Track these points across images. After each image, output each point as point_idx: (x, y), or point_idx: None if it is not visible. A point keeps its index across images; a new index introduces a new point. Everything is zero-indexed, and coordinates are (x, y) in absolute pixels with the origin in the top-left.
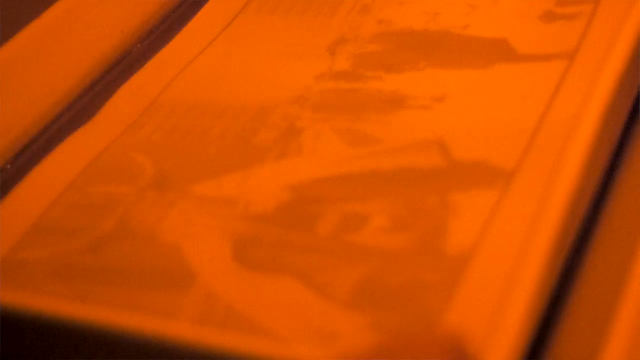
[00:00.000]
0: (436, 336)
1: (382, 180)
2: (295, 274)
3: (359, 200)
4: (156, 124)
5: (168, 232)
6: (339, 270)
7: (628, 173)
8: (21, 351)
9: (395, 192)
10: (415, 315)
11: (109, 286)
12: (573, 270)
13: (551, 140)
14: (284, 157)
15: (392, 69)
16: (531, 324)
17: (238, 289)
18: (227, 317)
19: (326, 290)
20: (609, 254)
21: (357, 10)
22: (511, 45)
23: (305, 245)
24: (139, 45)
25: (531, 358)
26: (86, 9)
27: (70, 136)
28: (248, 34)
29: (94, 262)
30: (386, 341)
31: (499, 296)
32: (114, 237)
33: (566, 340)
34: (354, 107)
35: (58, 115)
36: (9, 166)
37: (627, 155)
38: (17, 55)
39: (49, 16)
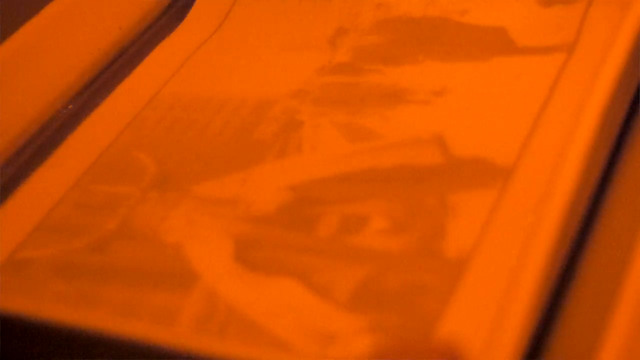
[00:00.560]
0: (434, 340)
1: (381, 179)
2: (296, 275)
3: (358, 201)
4: (157, 120)
5: (170, 233)
6: (338, 271)
7: (628, 169)
8: (21, 354)
9: (395, 192)
10: (413, 319)
11: (112, 286)
12: (571, 268)
13: (550, 136)
14: (284, 155)
15: (391, 61)
16: (531, 328)
17: (239, 290)
18: (227, 318)
19: (326, 292)
20: (607, 252)
21: None
22: (510, 35)
23: (306, 247)
24: (137, 41)
25: (529, 358)
26: (83, 7)
27: (74, 132)
28: (247, 23)
29: (97, 262)
30: (384, 344)
31: (498, 299)
32: (117, 236)
33: (564, 339)
34: (353, 100)
35: (58, 112)
36: (9, 165)
37: (627, 151)
38: (16, 53)
39: (47, 14)
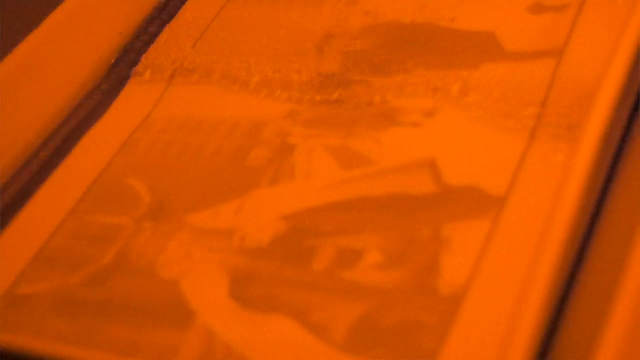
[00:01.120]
0: None
1: (374, 209)
2: (291, 312)
3: (352, 233)
4: (149, 143)
5: (167, 267)
6: (334, 309)
7: (627, 170)
8: None
9: (388, 222)
10: (409, 357)
11: (111, 323)
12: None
13: (542, 161)
14: (277, 182)
15: (380, 71)
16: None
17: (236, 328)
18: (226, 358)
19: (322, 331)
20: (606, 254)
21: (345, 1)
22: (499, 40)
23: (301, 282)
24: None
25: None
26: (83, 17)
27: (66, 158)
28: (236, 29)
29: (94, 297)
30: None
31: (496, 335)
32: (114, 270)
33: (563, 340)
34: (345, 122)
35: (50, 136)
36: (3, 193)
37: (626, 152)
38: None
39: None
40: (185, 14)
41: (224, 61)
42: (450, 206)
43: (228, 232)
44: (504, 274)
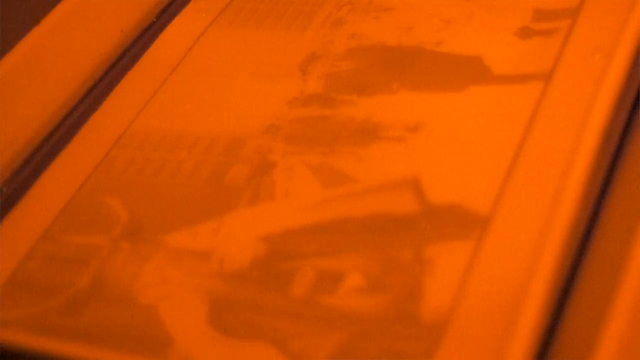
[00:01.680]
0: None
1: (356, 230)
2: (271, 340)
3: (333, 255)
4: (126, 161)
5: (144, 292)
6: (313, 336)
7: (627, 171)
8: None
9: (370, 244)
10: None
11: (86, 351)
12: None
13: (526, 179)
14: (256, 202)
15: (364, 91)
16: None
17: (214, 356)
18: None
19: (301, 359)
20: (605, 254)
21: (330, 24)
22: (486, 64)
23: (281, 309)
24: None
25: None
26: (84, 14)
27: (42, 175)
28: (219, 51)
29: (70, 324)
30: None
31: None
32: (90, 296)
33: (562, 340)
34: (326, 137)
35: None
36: None
37: (626, 153)
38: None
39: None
40: (164, 40)
41: (205, 86)
42: (433, 226)
43: (206, 254)
44: (490, 298)
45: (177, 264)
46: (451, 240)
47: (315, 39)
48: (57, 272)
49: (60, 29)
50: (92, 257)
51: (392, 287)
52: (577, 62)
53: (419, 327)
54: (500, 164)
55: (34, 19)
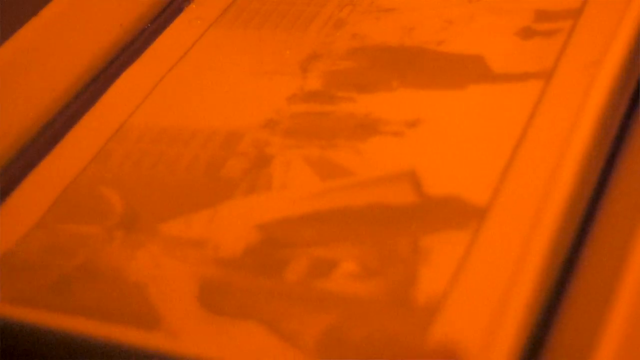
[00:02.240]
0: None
1: (352, 220)
2: (261, 320)
3: (328, 244)
4: (124, 153)
5: (134, 273)
6: (306, 318)
7: (626, 170)
8: None
9: (366, 234)
10: None
11: (74, 323)
12: (567, 269)
13: (524, 173)
14: (253, 192)
15: (364, 88)
16: None
17: (203, 333)
18: None
19: (292, 338)
20: (604, 253)
21: (331, 24)
22: (487, 63)
23: (273, 292)
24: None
25: None
26: (83, 8)
27: (39, 165)
28: (219, 49)
29: (59, 300)
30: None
31: (472, 349)
32: (79, 276)
33: (561, 341)
34: (325, 132)
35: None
36: None
37: (625, 153)
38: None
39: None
40: (167, 37)
41: (205, 82)
42: (430, 217)
43: (201, 242)
44: (484, 285)
45: (171, 250)
46: (448, 231)
47: (316, 39)
48: (50, 255)
49: (59, 20)
50: (85, 244)
51: (387, 274)
52: (578, 62)
53: (412, 309)
54: (499, 158)
55: (33, 11)
